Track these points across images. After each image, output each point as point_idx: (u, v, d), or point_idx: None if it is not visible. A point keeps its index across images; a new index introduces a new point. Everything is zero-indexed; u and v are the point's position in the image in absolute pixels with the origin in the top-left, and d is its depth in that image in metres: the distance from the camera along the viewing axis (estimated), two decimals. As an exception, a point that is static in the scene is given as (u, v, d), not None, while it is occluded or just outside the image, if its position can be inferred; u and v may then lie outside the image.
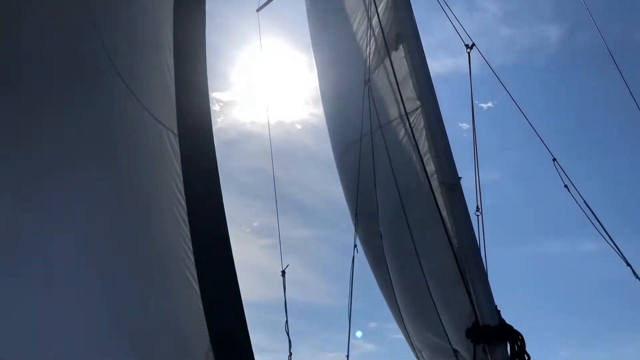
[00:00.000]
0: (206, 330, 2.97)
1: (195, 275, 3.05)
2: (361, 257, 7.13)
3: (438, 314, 4.75)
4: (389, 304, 6.80)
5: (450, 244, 4.31)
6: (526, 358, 3.76)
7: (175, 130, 3.35)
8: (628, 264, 4.96)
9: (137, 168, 2.91)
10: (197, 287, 3.03)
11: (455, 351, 4.70)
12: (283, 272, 5.53)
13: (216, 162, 3.62)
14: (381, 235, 6.18)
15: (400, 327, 6.75)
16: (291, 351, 4.87)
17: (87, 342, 2.34)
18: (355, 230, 6.21)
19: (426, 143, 4.95)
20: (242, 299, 3.21)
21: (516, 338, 3.79)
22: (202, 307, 3.00)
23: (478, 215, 5.73)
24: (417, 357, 6.58)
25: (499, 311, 3.99)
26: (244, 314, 3.26)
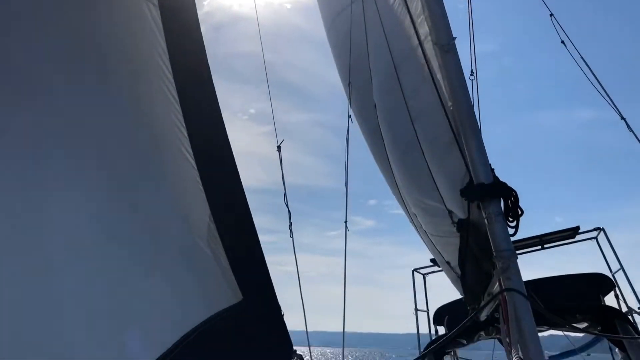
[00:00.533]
0: (206, 200, 3.02)
1: (190, 150, 3.04)
2: (358, 138, 7.15)
3: (433, 177, 4.82)
4: (384, 174, 6.91)
5: (444, 104, 4.27)
6: (519, 212, 3.87)
7: (156, 2, 3.16)
8: (622, 118, 4.95)
9: (116, 36, 2.76)
10: (192, 161, 3.04)
11: (449, 212, 4.83)
12: (279, 147, 5.54)
13: (202, 37, 3.48)
14: (375, 106, 6.12)
15: (395, 196, 6.92)
16: (291, 221, 5.00)
17: (89, 219, 2.36)
18: (349, 100, 6.14)
19: (419, 4, 4.72)
20: (244, 186, 3.25)
21: (510, 194, 3.88)
22: (200, 181, 3.04)
23: (472, 80, 5.65)
24: (413, 223, 6.83)
25: (492, 169, 4.04)
26: (241, 185, 3.31)
